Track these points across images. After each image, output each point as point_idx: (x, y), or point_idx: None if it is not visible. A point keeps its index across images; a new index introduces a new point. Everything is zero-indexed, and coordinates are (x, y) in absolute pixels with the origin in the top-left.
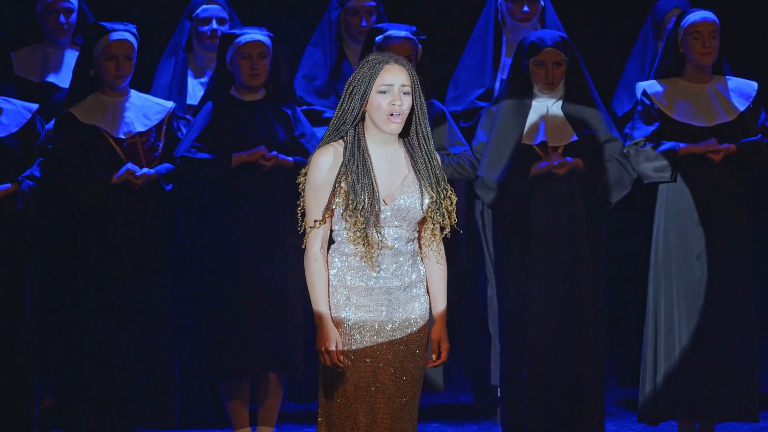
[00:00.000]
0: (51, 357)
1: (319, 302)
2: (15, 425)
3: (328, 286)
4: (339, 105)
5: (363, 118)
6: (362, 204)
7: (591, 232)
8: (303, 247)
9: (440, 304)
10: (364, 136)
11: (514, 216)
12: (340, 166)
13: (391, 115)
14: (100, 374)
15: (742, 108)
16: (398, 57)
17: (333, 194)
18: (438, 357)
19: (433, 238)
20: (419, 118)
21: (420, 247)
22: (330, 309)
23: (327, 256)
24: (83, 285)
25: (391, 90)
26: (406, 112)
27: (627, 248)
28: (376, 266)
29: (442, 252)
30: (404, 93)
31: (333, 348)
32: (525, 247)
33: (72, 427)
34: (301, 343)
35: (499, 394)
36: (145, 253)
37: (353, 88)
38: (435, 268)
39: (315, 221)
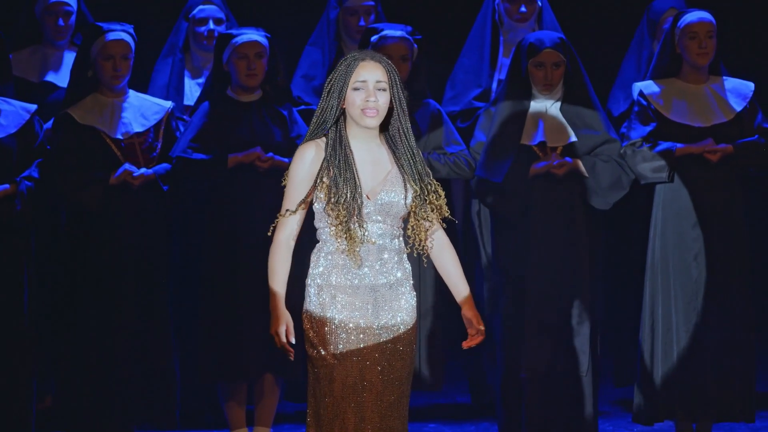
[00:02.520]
0: (50, 357)
1: (275, 288)
2: (12, 425)
3: (310, 282)
4: (319, 104)
5: (345, 116)
6: (344, 197)
7: (589, 233)
8: (269, 234)
9: (462, 290)
10: (346, 133)
11: (512, 216)
12: (322, 161)
13: (365, 110)
14: (99, 374)
15: (738, 108)
16: (375, 54)
17: (313, 188)
18: (477, 333)
19: (420, 233)
20: (399, 114)
21: (416, 245)
22: (316, 308)
23: (311, 255)
24: (82, 285)
25: (365, 86)
26: (383, 107)
27: (624, 248)
28: (359, 261)
29: (444, 242)
30: (380, 89)
31: (282, 330)
32: (523, 247)
33: (71, 428)
34: (299, 343)
35: (495, 394)
36: (144, 253)
37: (331, 86)
38: (437, 259)
39: (286, 210)
